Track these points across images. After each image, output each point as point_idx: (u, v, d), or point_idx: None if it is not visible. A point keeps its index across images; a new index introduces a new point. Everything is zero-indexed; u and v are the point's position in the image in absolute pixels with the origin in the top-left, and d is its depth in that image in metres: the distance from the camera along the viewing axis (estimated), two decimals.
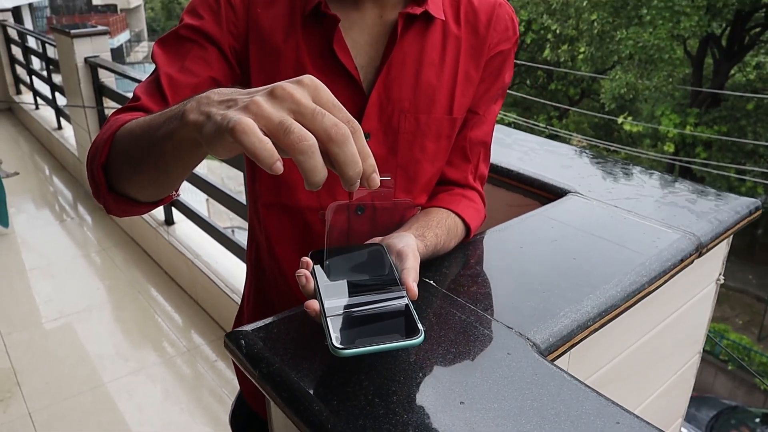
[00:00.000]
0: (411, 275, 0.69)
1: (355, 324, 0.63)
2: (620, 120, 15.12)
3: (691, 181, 1.35)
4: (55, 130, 5.45)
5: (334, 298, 0.66)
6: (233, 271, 2.96)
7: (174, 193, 0.80)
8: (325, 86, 0.54)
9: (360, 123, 0.88)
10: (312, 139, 0.50)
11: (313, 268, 0.70)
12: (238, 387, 1.21)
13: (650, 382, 1.21)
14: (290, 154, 0.50)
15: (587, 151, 1.49)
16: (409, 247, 0.75)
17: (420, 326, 0.62)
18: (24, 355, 2.76)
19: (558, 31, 15.28)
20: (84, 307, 3.18)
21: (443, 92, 0.91)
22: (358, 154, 0.52)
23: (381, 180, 0.55)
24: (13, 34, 6.66)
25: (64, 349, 2.83)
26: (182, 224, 3.48)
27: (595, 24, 13.54)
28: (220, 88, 0.57)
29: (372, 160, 0.54)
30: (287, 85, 0.52)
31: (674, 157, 14.14)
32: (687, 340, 1.30)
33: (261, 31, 0.87)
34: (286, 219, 0.95)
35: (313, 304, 0.66)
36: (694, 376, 1.39)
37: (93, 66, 3.98)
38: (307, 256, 0.73)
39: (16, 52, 6.67)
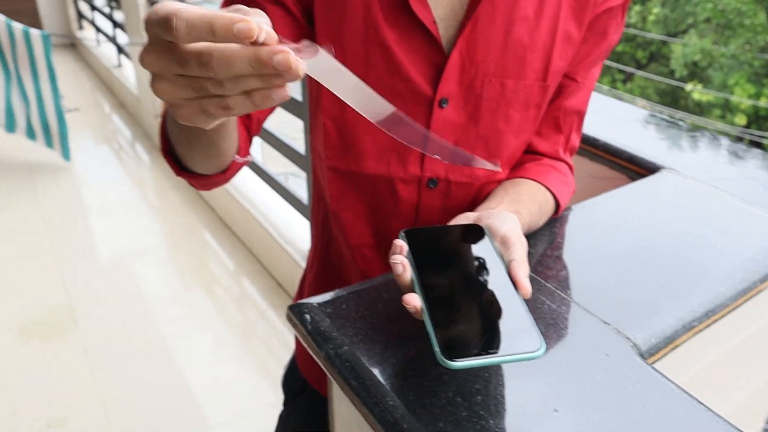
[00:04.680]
0: (522, 269, 0.59)
1: (462, 328, 0.53)
2: (689, 87, 14.42)
3: None
4: (115, 67, 5.48)
5: (435, 295, 0.55)
6: (287, 221, 2.93)
7: (237, 157, 0.75)
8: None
9: (437, 85, 0.78)
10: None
11: (408, 253, 0.60)
12: (290, 341, 1.16)
13: (746, 378, 1.10)
14: None
15: (682, 121, 1.35)
16: (515, 232, 0.64)
17: (540, 336, 0.52)
18: (81, 292, 2.82)
19: None
20: (140, 247, 3.22)
21: (537, 54, 0.78)
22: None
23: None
24: None
25: (119, 288, 2.87)
26: None
27: None
28: None
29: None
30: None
31: (745, 130, 13.45)
32: None
33: None
34: (352, 186, 0.87)
35: (413, 299, 0.55)
36: None
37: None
38: (398, 237, 0.63)
39: None
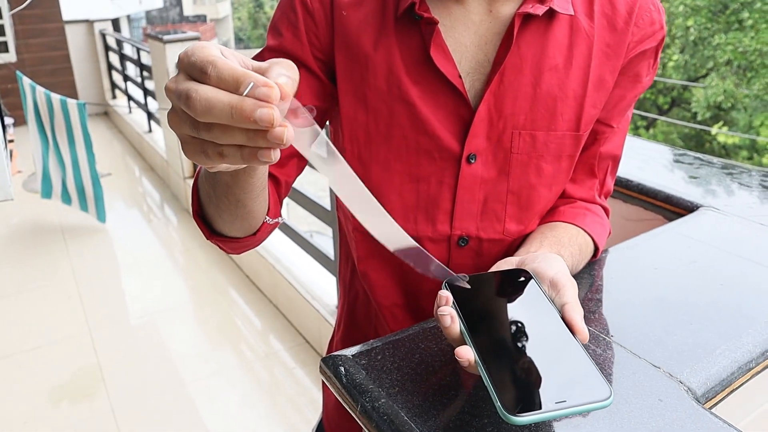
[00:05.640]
0: (577, 312, 0.55)
1: (522, 380, 0.50)
2: (714, 130, 14.30)
3: None
4: (146, 133, 5.64)
5: (488, 346, 0.52)
6: (314, 278, 2.92)
7: (268, 219, 0.74)
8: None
9: (465, 141, 0.75)
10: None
11: (454, 303, 0.57)
12: (319, 400, 1.12)
13: None
14: None
15: (717, 159, 1.32)
16: (564, 274, 0.60)
17: (607, 382, 0.48)
18: (110, 351, 2.81)
19: None
20: (167, 306, 3.22)
21: (568, 104, 0.75)
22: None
23: None
24: (111, 42, 6.98)
25: (147, 347, 2.86)
26: None
27: (691, 30, 12.89)
28: None
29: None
30: None
31: None
32: None
33: (347, 37, 0.76)
34: (380, 246, 0.84)
35: (466, 352, 0.52)
36: None
37: None
38: (443, 288, 0.59)
39: (114, 59, 6.99)
